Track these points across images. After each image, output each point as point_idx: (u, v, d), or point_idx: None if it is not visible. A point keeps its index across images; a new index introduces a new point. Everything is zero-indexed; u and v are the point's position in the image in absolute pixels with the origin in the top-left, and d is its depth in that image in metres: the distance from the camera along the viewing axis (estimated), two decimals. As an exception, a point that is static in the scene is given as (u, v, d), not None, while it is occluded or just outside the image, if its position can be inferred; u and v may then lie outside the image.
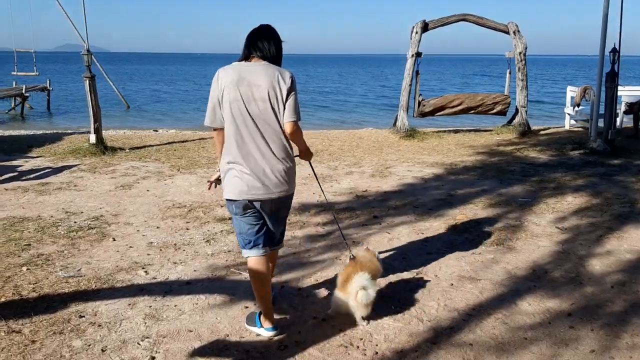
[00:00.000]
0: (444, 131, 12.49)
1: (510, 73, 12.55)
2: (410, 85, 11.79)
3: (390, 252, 4.86)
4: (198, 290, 4.07)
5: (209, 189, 3.64)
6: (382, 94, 33.16)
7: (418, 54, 11.71)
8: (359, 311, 3.48)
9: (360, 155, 9.63)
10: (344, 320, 3.61)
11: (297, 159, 3.54)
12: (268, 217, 3.45)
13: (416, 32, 11.63)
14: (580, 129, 12.87)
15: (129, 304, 3.84)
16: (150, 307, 3.81)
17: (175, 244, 5.04)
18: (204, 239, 5.15)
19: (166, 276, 4.33)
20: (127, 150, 9.72)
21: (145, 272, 4.40)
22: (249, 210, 3.35)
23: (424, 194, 6.89)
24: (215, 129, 3.36)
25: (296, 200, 6.43)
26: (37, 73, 24.24)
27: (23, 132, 13.10)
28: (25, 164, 8.53)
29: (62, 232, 5.33)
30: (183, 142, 10.89)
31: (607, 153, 9.33)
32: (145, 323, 3.58)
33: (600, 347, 3.32)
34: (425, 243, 5.11)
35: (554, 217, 5.87)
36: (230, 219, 5.37)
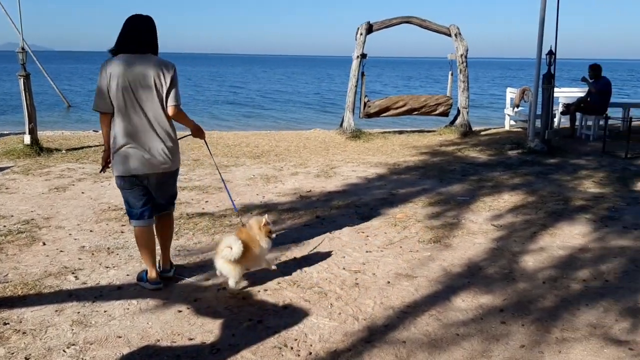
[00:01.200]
0: (390, 132, 12.63)
1: (452, 75, 12.79)
2: (356, 86, 11.84)
3: (331, 252, 4.86)
4: (130, 295, 3.95)
5: (104, 172, 4.00)
6: (328, 96, 33.26)
7: (363, 56, 11.77)
8: (224, 267, 3.85)
9: (306, 155, 9.61)
10: (279, 322, 3.58)
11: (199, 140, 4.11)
12: (154, 190, 3.94)
13: (361, 34, 11.69)
14: (519, 129, 13.26)
15: (56, 310, 3.69)
16: (78, 313, 3.67)
17: (108, 248, 4.88)
18: (139, 242, 5.00)
19: (97, 281, 4.18)
20: (64, 152, 9.37)
21: (75, 277, 4.23)
22: (135, 186, 3.84)
23: (366, 193, 6.93)
24: (102, 114, 3.72)
25: (239, 202, 6.38)
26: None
27: (-45, 133, 12.47)
28: (-47, 166, 8.11)
29: (-11, 237, 5.08)
30: (124, 142, 10.59)
31: (544, 152, 9.63)
32: (73, 330, 3.45)
33: (530, 342, 3.39)
34: (365, 242, 5.13)
35: (491, 215, 6.01)
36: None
